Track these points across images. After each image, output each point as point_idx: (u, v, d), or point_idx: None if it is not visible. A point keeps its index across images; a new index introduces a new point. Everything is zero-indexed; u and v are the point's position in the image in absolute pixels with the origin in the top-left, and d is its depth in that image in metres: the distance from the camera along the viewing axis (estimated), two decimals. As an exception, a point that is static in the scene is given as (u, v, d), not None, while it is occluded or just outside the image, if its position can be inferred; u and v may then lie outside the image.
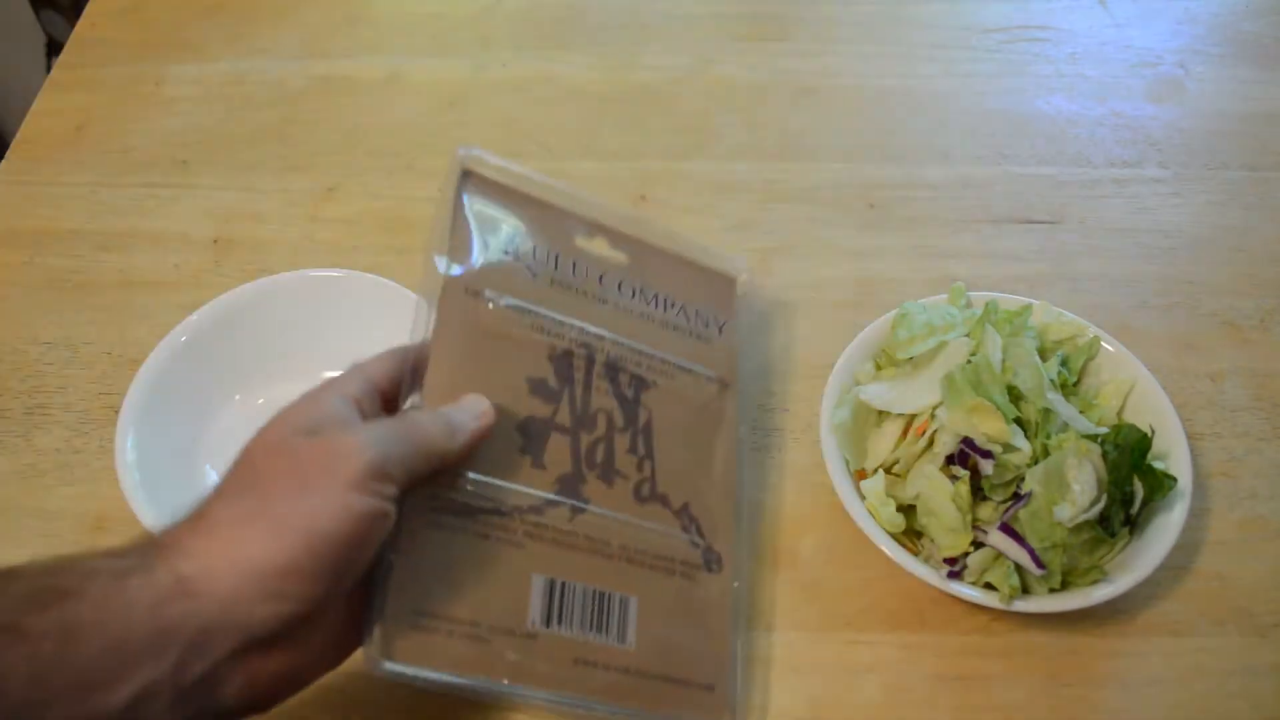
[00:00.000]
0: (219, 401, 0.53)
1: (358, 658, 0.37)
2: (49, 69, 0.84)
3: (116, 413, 0.49)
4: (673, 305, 0.50)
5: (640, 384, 0.47)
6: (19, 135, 0.70)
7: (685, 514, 0.46)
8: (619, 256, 0.50)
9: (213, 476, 0.51)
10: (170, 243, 0.63)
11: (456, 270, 0.45)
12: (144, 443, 0.49)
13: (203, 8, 0.78)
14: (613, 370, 0.47)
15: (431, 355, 0.42)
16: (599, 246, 0.50)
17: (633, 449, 0.46)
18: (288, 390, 0.54)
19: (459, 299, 0.44)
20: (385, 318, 0.54)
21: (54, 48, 1.22)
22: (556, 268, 0.48)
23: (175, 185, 0.66)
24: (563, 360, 0.45)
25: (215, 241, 0.63)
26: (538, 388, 0.44)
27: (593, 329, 0.47)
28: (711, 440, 0.48)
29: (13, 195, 0.66)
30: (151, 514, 0.46)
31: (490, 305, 0.45)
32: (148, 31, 0.77)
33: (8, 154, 0.69)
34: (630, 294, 0.49)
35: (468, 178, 0.48)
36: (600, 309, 0.48)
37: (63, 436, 0.54)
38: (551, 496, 0.43)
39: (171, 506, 0.47)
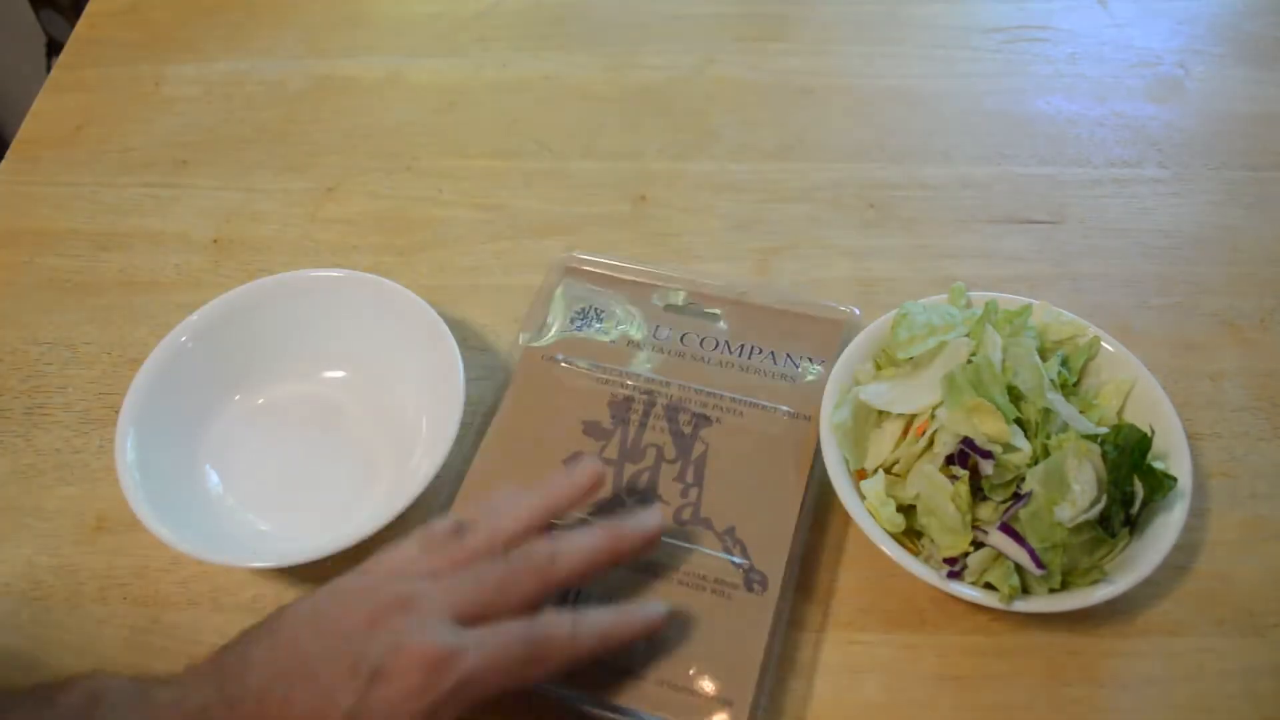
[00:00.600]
0: (219, 401, 0.53)
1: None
2: (49, 69, 0.84)
3: (116, 413, 0.49)
4: (760, 352, 0.54)
5: (701, 421, 0.51)
6: (19, 135, 0.70)
7: (729, 536, 0.47)
8: (712, 315, 0.56)
9: (213, 476, 0.51)
10: (170, 243, 0.63)
11: (535, 342, 0.54)
12: (144, 443, 0.49)
13: (203, 8, 0.78)
14: (673, 411, 0.52)
15: (503, 407, 0.52)
16: (689, 310, 0.56)
17: (680, 478, 0.49)
18: (288, 390, 0.55)
19: (534, 363, 0.54)
20: (385, 318, 0.54)
21: (54, 48, 1.23)
22: (637, 331, 0.55)
23: (175, 185, 0.66)
24: (621, 404, 0.52)
25: (215, 241, 0.63)
26: (591, 429, 0.51)
27: (660, 377, 0.53)
28: (775, 468, 0.50)
29: (13, 195, 0.66)
30: (151, 514, 0.46)
31: (562, 365, 0.53)
32: (148, 31, 0.77)
33: (8, 154, 0.69)
34: (713, 346, 0.54)
35: (567, 272, 0.58)
36: (675, 361, 0.54)
37: (63, 436, 0.54)
38: (584, 518, 0.48)
39: (171, 506, 0.47)
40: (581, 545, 0.41)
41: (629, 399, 0.52)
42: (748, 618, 0.45)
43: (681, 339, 0.54)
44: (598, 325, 0.55)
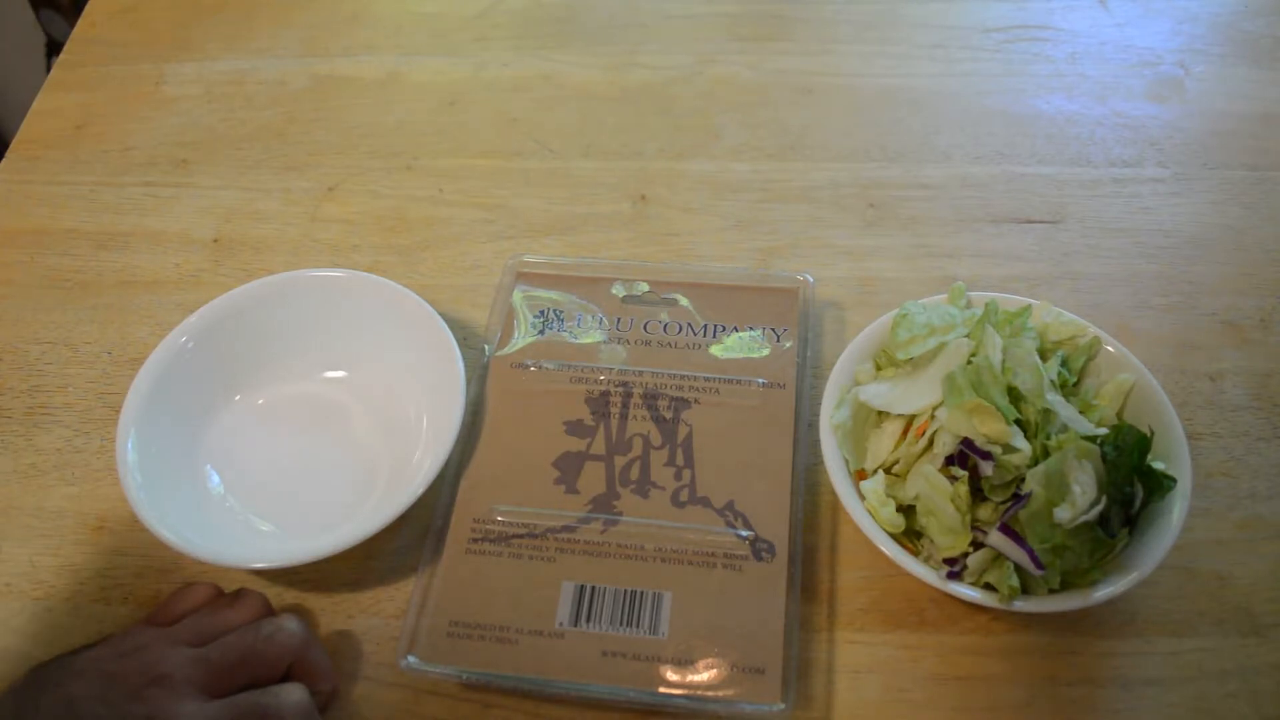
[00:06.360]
0: (219, 401, 0.53)
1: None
2: (49, 69, 0.84)
3: (117, 413, 0.49)
4: (724, 329, 0.55)
5: (680, 404, 0.52)
6: (19, 135, 0.70)
7: (729, 510, 0.48)
8: (671, 300, 0.57)
9: (214, 477, 0.51)
10: (170, 242, 0.63)
11: (502, 351, 0.55)
12: (144, 443, 0.49)
13: (203, 8, 0.78)
14: (651, 398, 0.52)
15: (485, 418, 0.52)
16: (648, 298, 0.57)
17: (670, 462, 0.50)
18: (288, 390, 0.55)
19: (504, 371, 0.54)
20: (385, 318, 0.54)
21: (54, 48, 1.23)
22: (600, 326, 0.55)
23: (175, 185, 0.67)
24: (599, 400, 0.52)
25: (215, 241, 0.63)
26: (573, 428, 0.52)
27: (632, 368, 0.54)
28: (761, 438, 0.51)
29: (13, 195, 0.66)
30: (152, 514, 0.46)
31: (532, 369, 0.54)
32: (148, 31, 0.77)
33: (8, 154, 0.69)
34: (677, 330, 0.55)
35: (519, 277, 0.58)
36: (643, 350, 0.55)
37: (63, 436, 0.55)
38: (584, 515, 0.49)
39: (171, 506, 0.47)
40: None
41: (605, 393, 0.53)
42: (762, 586, 0.46)
43: (645, 327, 0.55)
44: (560, 326, 0.55)
